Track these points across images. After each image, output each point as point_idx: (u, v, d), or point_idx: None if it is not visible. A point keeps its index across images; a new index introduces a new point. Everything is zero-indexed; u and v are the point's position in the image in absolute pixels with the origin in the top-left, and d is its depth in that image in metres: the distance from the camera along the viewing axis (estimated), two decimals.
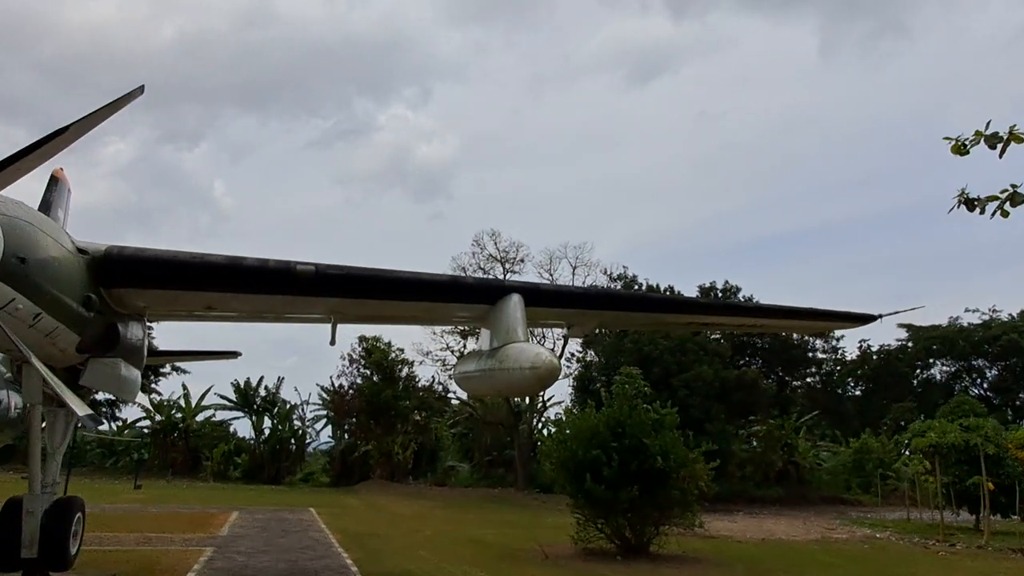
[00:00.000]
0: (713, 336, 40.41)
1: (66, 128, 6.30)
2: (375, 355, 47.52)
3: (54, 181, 18.43)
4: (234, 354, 22.31)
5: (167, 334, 48.92)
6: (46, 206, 17.33)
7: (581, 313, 12.05)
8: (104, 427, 50.44)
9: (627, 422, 16.71)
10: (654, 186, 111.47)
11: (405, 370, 48.24)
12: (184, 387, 48.53)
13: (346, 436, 48.75)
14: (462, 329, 44.38)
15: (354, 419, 47.80)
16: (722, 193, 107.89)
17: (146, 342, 11.81)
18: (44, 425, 10.37)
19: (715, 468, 17.73)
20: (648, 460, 16.10)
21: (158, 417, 47.34)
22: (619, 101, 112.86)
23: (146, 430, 47.98)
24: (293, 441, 48.65)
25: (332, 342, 11.43)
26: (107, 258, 8.93)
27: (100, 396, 48.97)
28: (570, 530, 16.92)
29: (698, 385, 36.50)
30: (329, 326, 11.43)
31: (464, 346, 44.87)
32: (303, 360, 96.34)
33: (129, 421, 49.63)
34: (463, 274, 39.50)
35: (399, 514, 26.15)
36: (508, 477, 45.16)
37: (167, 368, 49.88)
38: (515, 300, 10.54)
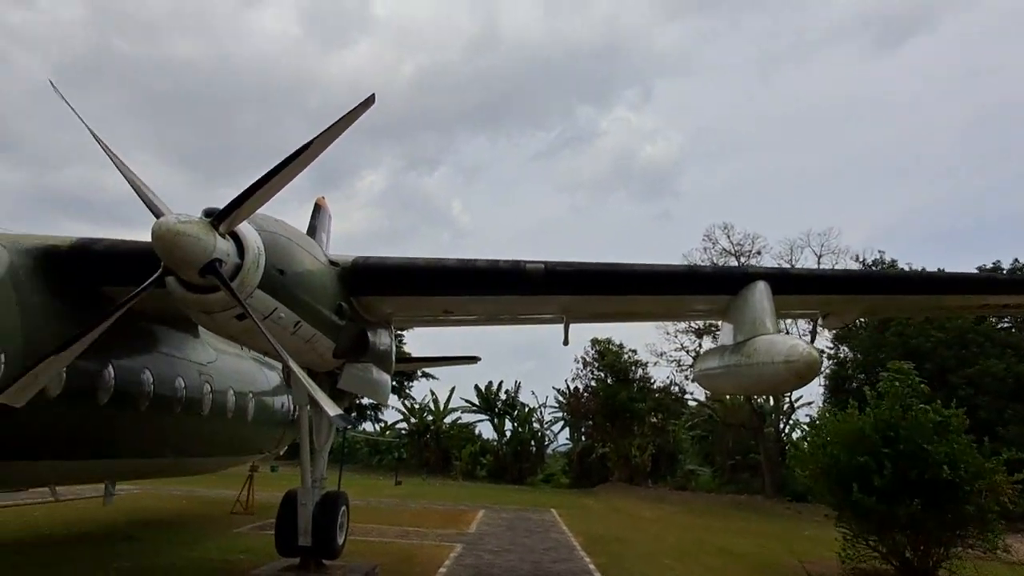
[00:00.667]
0: (1000, 324, 34.38)
1: (309, 144, 6.69)
2: (608, 357, 47.41)
3: (317, 208, 20.59)
4: (474, 359, 23.35)
5: (414, 342, 53.07)
6: (312, 230, 19.33)
7: (839, 300, 10.55)
8: (368, 427, 56.39)
9: (901, 424, 14.45)
10: (911, 160, 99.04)
11: (639, 371, 47.52)
12: (432, 392, 52.33)
13: (583, 438, 49.21)
14: (697, 327, 42.63)
15: (590, 421, 48.11)
16: (999, 159, 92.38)
17: (393, 348, 12.53)
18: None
19: (1021, 480, 14.68)
20: (931, 469, 13.75)
21: (412, 420, 51.65)
22: (865, 70, 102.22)
23: (403, 431, 52.36)
24: (533, 443, 50.19)
25: (565, 342, 11.20)
26: (354, 268, 9.51)
27: (366, 400, 55.17)
28: (834, 546, 15.04)
29: (986, 382, 31.16)
30: (561, 326, 11.22)
31: (699, 345, 42.99)
32: (540, 364, 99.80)
33: (390, 423, 54.77)
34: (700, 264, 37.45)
35: (640, 518, 25.49)
36: (754, 483, 42.32)
37: (418, 374, 54.32)
38: (761, 288, 9.48)
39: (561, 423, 51.74)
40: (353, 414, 56.03)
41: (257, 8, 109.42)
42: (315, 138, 6.70)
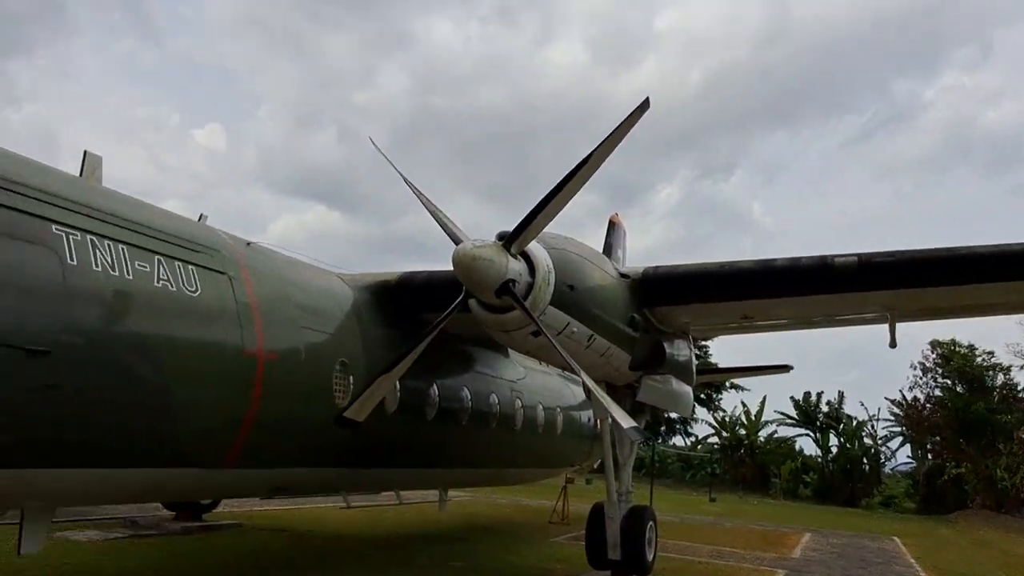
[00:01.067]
0: None
1: (587, 158, 6.73)
2: (955, 361, 40.59)
3: (612, 225, 20.99)
4: (785, 368, 21.57)
5: (720, 352, 51.03)
6: (607, 247, 19.74)
7: None
8: (679, 442, 55.52)
9: None
10: None
11: (1000, 377, 39.82)
12: (743, 404, 49.73)
13: (929, 456, 42.59)
14: None
15: (937, 437, 41.49)
16: None
17: (693, 358, 12.05)
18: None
19: None
20: None
21: (724, 434, 49.57)
22: None
23: (714, 445, 50.51)
24: (865, 460, 44.84)
25: (892, 344, 9.69)
26: (645, 278, 9.35)
27: (674, 414, 54.47)
28: None
29: None
30: (886, 326, 9.73)
31: None
32: (866, 372, 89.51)
33: (700, 437, 53.31)
34: None
35: (1016, 555, 21.01)
36: None
37: (726, 385, 52.09)
38: None
39: (899, 439, 45.41)
40: (661, 428, 55.77)
41: (548, 45, 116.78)
42: (593, 151, 6.71)
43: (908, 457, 45.66)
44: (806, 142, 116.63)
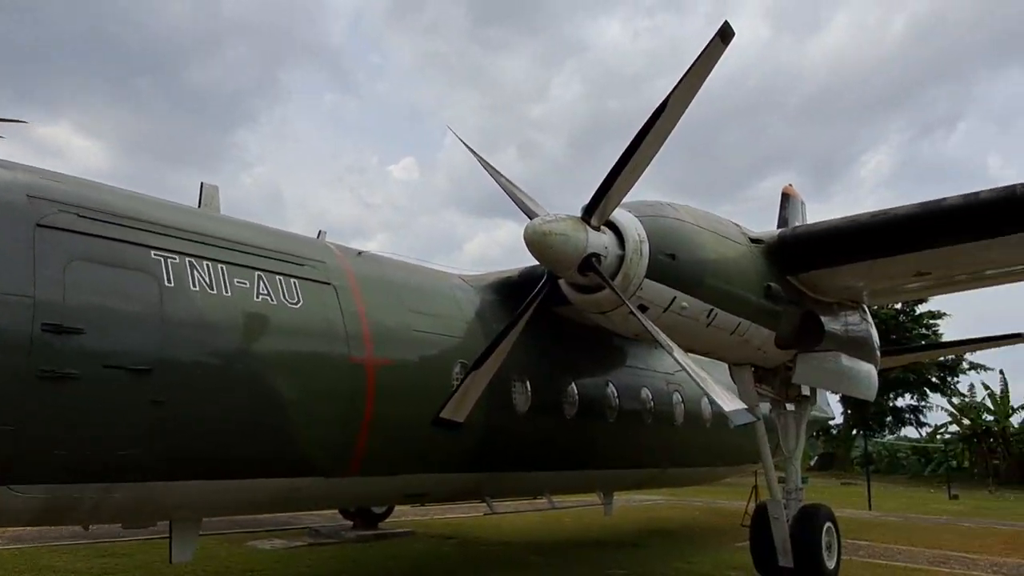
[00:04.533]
0: None
1: (664, 105, 5.85)
2: None
3: (785, 197, 19.16)
4: (1019, 337, 18.10)
5: (949, 327, 44.54)
6: (783, 222, 17.99)
7: None
8: (911, 433, 49.35)
9: None
10: None
11: None
12: (984, 385, 43.04)
13: None
14: None
15: None
16: None
17: (872, 330, 10.37)
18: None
19: None
20: None
21: (965, 421, 43.19)
22: None
23: (951, 435, 44.25)
24: None
25: None
26: (782, 243, 8.12)
27: (903, 402, 48.49)
28: None
29: None
30: None
31: None
32: None
33: (937, 426, 46.95)
34: None
35: None
36: None
37: (964, 366, 45.40)
38: None
39: None
40: (887, 418, 49.88)
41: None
42: (669, 95, 5.83)
43: None
44: None
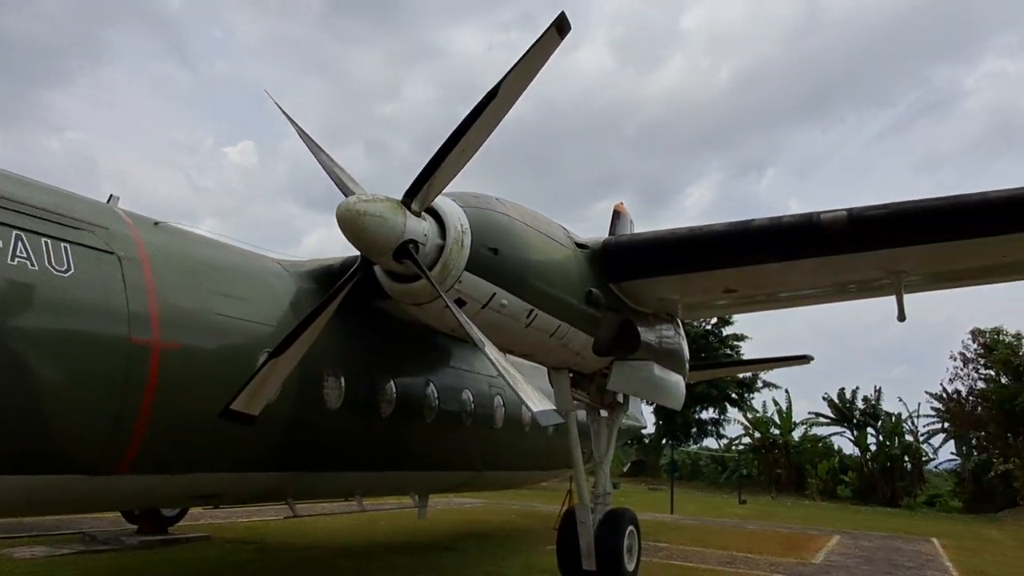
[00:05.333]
0: None
1: (496, 90, 5.63)
2: (999, 351, 38.25)
3: (616, 214, 19.77)
4: (805, 359, 20.10)
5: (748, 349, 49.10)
6: None
7: None
8: (711, 444, 53.56)
9: None
10: None
11: None
12: (775, 402, 47.78)
13: (974, 452, 40.23)
14: None
15: (982, 432, 39.17)
16: None
17: (683, 343, 10.86)
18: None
19: None
20: None
21: (756, 433, 47.61)
22: None
23: (743, 446, 48.66)
24: (906, 458, 42.56)
25: (900, 316, 8.41)
26: (606, 250, 8.23)
27: (707, 415, 52.55)
28: None
29: None
30: (893, 298, 8.45)
31: None
32: (912, 369, 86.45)
33: (733, 437, 51.31)
34: None
35: None
36: None
37: (758, 384, 50.08)
38: None
39: (942, 435, 42.98)
40: (692, 429, 53.89)
41: (573, 50, 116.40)
42: (500, 82, 5.62)
43: (952, 454, 43.21)
44: (840, 136, 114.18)
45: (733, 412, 50.68)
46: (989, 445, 38.59)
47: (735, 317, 49.65)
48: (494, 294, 6.71)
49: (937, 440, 43.07)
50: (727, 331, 49.82)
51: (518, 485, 16.60)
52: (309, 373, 8.43)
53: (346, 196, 6.25)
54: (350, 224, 5.97)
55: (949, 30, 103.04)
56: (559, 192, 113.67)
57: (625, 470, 54.99)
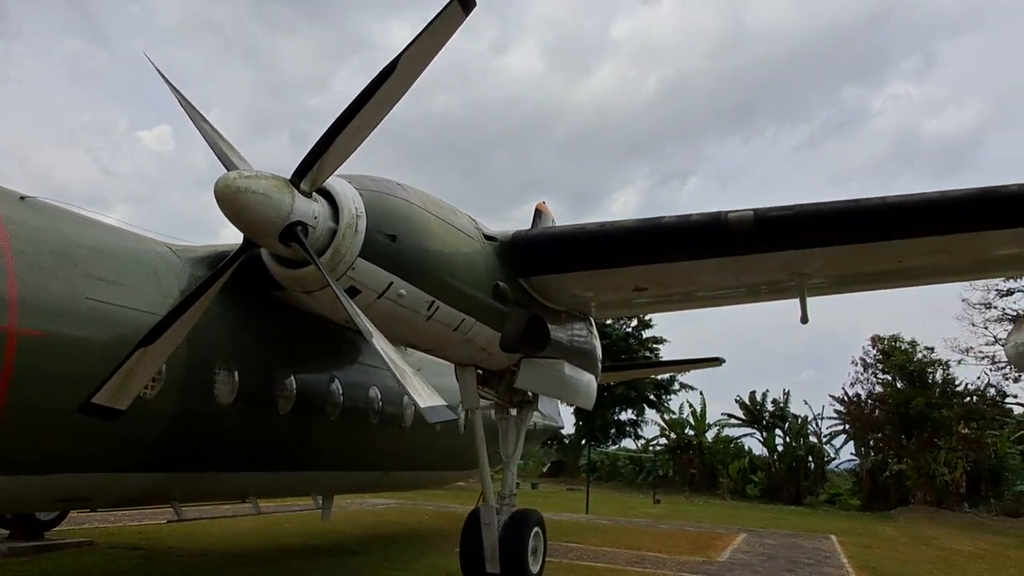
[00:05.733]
0: None
1: (395, 64, 5.29)
2: (895, 357, 40.43)
3: (538, 213, 19.55)
4: (717, 361, 20.53)
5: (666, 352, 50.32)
6: None
7: None
8: (630, 444, 54.45)
9: None
10: None
11: (939, 372, 39.78)
12: (690, 404, 48.99)
13: (871, 453, 42.34)
14: (1015, 314, 34.34)
15: (879, 434, 41.27)
16: None
17: (596, 342, 10.77)
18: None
19: None
20: None
21: (671, 434, 48.71)
22: None
23: (659, 446, 49.73)
24: (810, 458, 44.43)
25: (803, 319, 8.52)
26: (514, 243, 8.01)
27: (625, 416, 53.44)
28: None
29: None
30: (809, 302, 8.54)
31: None
32: (819, 373, 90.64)
33: (650, 438, 52.29)
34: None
35: (954, 551, 20.32)
36: None
37: (675, 386, 51.25)
38: None
39: (843, 436, 45.05)
40: (611, 430, 54.67)
41: (505, 53, 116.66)
42: (399, 56, 5.29)
43: (852, 454, 45.37)
44: (761, 148, 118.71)
45: (651, 413, 51.79)
46: (885, 446, 40.66)
47: (655, 320, 50.84)
48: (391, 283, 6.36)
49: (839, 441, 45.15)
50: (646, 334, 50.80)
51: (430, 486, 16.23)
52: (197, 365, 7.87)
53: (228, 171, 5.76)
54: (230, 202, 5.50)
55: (860, 54, 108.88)
56: (487, 192, 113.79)
57: (545, 471, 55.31)
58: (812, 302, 8.60)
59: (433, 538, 16.34)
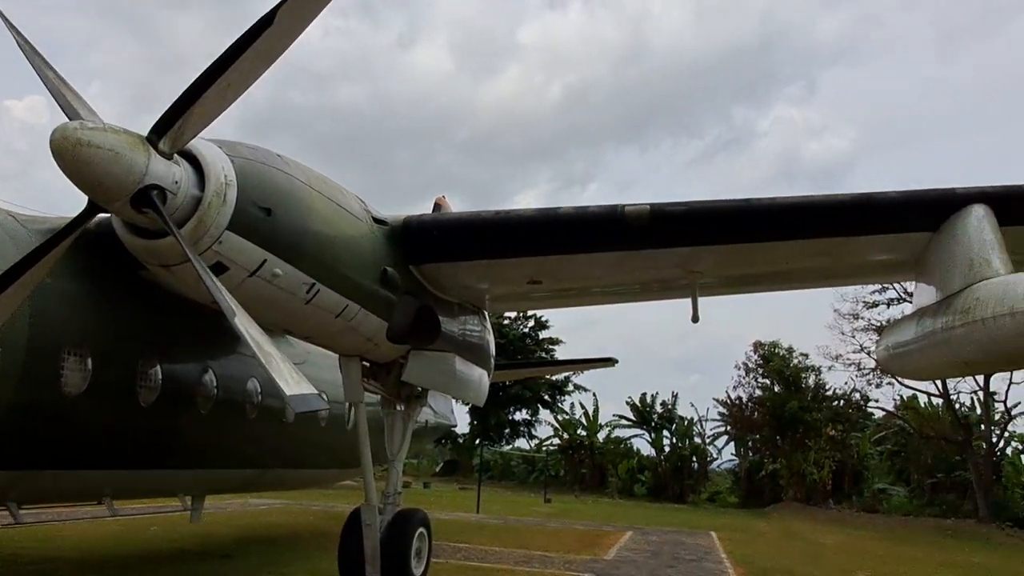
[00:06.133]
0: None
1: (270, 18, 4.77)
2: (774, 362, 42.73)
3: (437, 208, 19.13)
4: (610, 361, 20.82)
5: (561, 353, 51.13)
6: None
7: None
8: (523, 444, 54.81)
9: None
10: None
11: (812, 377, 42.35)
12: (582, 405, 49.87)
13: (750, 453, 44.57)
14: (879, 324, 37.03)
15: (757, 435, 43.49)
16: None
17: (489, 337, 10.52)
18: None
19: None
20: None
21: (564, 435, 49.44)
22: None
23: (552, 446, 50.36)
24: (695, 458, 46.28)
25: (694, 318, 8.60)
26: (406, 228, 7.60)
27: (520, 416, 53.77)
28: None
29: None
30: (689, 300, 8.60)
31: None
32: (705, 378, 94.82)
33: (544, 438, 52.81)
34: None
35: (820, 544, 21.55)
36: (961, 505, 35.83)
37: (569, 387, 52.02)
38: (978, 215, 6.49)
39: (725, 437, 47.21)
40: (505, 430, 54.86)
41: (412, 49, 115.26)
42: (277, 7, 4.76)
43: (732, 454, 47.61)
44: (657, 159, 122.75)
45: (545, 414, 52.38)
46: (762, 447, 42.88)
47: (551, 322, 51.51)
48: (264, 261, 5.81)
49: (721, 442, 47.27)
50: (543, 335, 51.35)
51: (315, 485, 15.44)
52: (40, 350, 6.99)
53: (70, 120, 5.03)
54: (69, 156, 4.76)
55: (749, 77, 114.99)
56: (389, 188, 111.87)
57: (438, 470, 54.81)
58: (703, 304, 8.69)
59: (317, 539, 15.59)
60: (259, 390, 10.61)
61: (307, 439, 12.36)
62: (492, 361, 10.87)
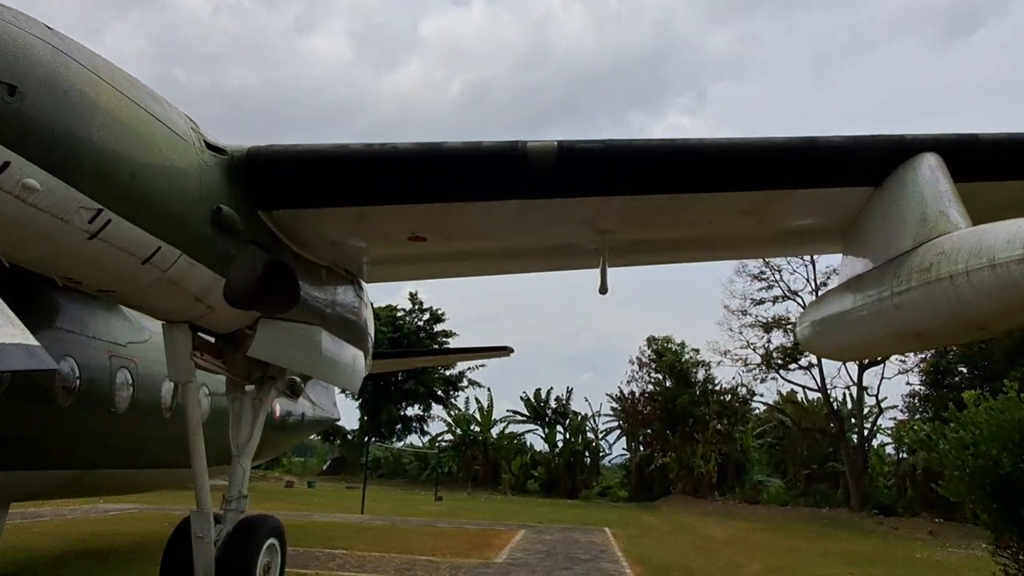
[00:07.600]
0: None
1: None
2: (667, 357, 43.08)
3: None
4: (506, 350, 19.65)
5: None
6: None
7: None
8: (416, 441, 52.98)
9: None
10: None
11: (702, 372, 42.99)
12: (477, 400, 48.69)
13: (641, 448, 44.82)
14: (765, 321, 38.00)
15: (649, 429, 43.77)
16: None
17: (366, 310, 8.98)
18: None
19: None
20: None
21: (457, 430, 48.06)
22: (930, 63, 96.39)
23: (444, 443, 48.93)
24: (587, 454, 46.12)
25: (602, 289, 7.43)
26: (251, 160, 5.96)
27: (412, 412, 51.90)
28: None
29: None
30: (598, 271, 7.41)
31: (768, 341, 38.34)
32: (598, 375, 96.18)
33: (436, 434, 51.17)
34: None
35: (710, 538, 21.31)
36: (833, 495, 37.37)
37: (464, 382, 50.65)
38: (931, 165, 5.64)
39: (617, 432, 47.33)
40: (397, 426, 52.80)
41: (309, 35, 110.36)
42: None
43: (624, 449, 47.77)
44: None
45: (438, 409, 50.80)
46: (653, 441, 43.14)
47: (447, 315, 49.93)
48: (7, 164, 4.08)
49: (613, 437, 47.35)
50: (439, 327, 49.71)
51: (152, 487, 13.20)
52: None
53: None
54: None
55: (644, 85, 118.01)
56: None
57: (325, 468, 52.07)
58: (612, 275, 7.54)
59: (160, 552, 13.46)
60: (77, 374, 8.60)
61: (145, 434, 10.32)
62: (370, 341, 9.35)
